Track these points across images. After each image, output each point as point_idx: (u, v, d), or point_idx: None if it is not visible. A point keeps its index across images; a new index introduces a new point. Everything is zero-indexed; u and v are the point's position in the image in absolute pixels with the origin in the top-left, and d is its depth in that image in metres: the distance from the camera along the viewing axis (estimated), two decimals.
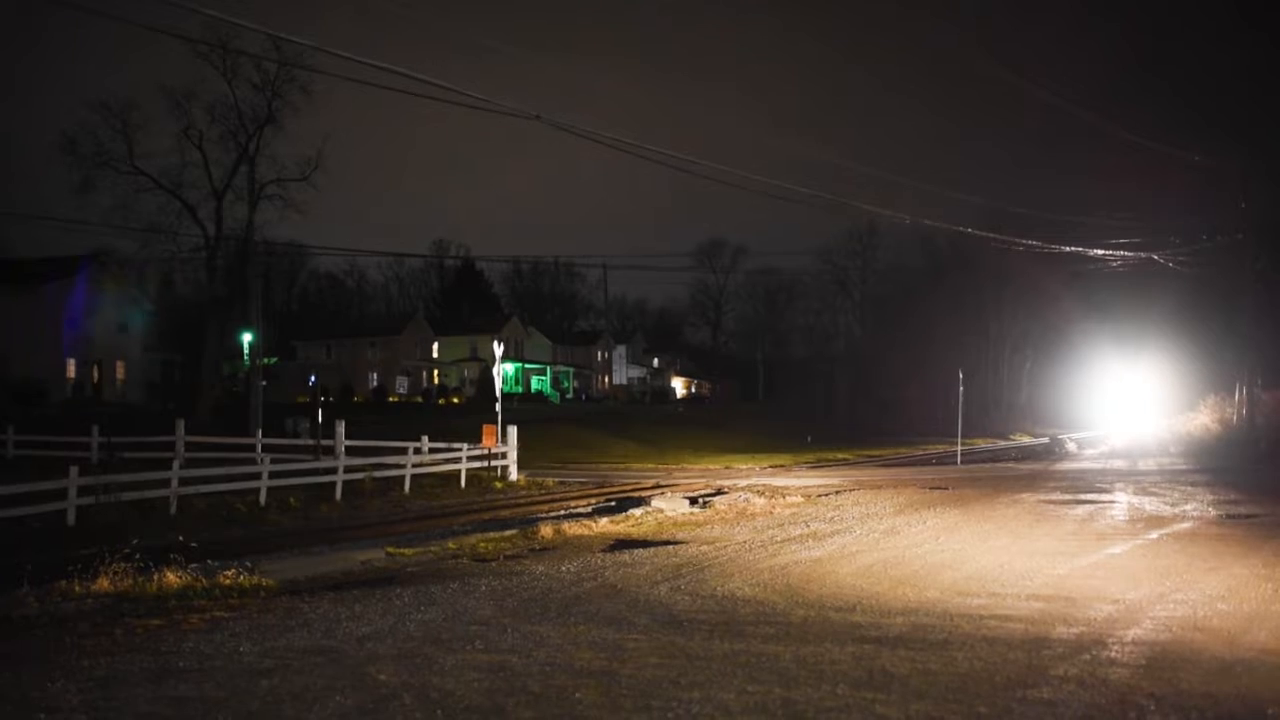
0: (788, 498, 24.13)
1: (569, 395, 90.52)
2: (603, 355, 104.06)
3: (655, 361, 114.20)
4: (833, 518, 19.90)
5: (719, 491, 26.13)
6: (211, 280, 52.55)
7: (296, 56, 41.15)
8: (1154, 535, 17.05)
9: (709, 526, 18.91)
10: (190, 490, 22.33)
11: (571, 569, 13.85)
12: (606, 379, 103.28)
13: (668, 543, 16.60)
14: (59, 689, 7.81)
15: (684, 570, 13.61)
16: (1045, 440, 58.03)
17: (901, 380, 79.59)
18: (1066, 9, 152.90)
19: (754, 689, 7.65)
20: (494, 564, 14.73)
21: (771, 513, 21.14)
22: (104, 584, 12.30)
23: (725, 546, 15.96)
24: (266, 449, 31.56)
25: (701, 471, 36.96)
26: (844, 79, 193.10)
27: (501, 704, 7.32)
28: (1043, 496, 24.09)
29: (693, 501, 23.15)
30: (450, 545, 16.97)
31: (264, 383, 43.77)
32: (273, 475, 24.15)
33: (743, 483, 29.46)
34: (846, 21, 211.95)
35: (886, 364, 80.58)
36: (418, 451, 29.39)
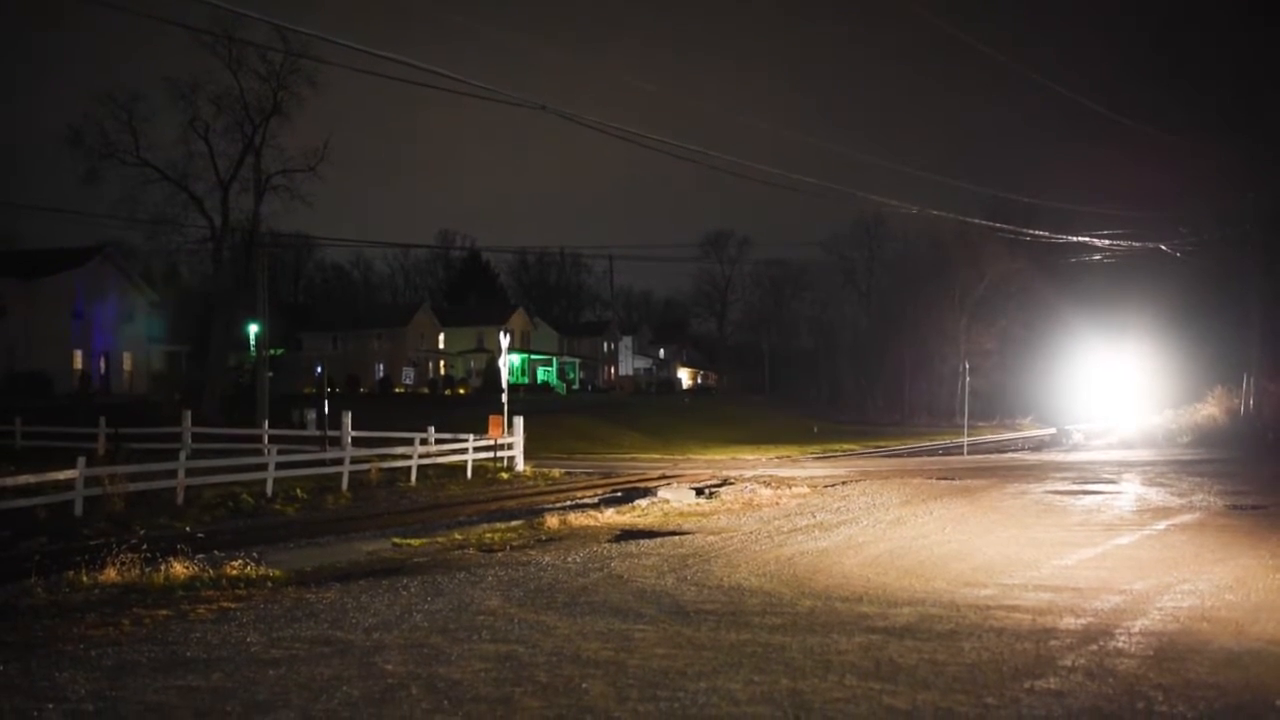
0: (794, 488, 24.11)
1: (575, 386, 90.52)
2: (609, 346, 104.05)
3: (661, 353, 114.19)
4: (839, 508, 19.89)
5: (725, 482, 26.12)
6: (218, 272, 52.50)
7: (302, 47, 41.03)
8: (1161, 526, 17.02)
9: (715, 517, 18.90)
10: (197, 481, 22.41)
11: (578, 559, 13.86)
12: (613, 370, 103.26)
13: (674, 533, 16.60)
14: (67, 679, 7.84)
15: (690, 561, 13.62)
16: (1052, 431, 57.82)
17: (908, 371, 79.57)
18: None
19: (761, 679, 7.64)
20: (500, 554, 14.75)
21: (778, 503, 21.12)
22: (111, 574, 12.33)
23: (732, 537, 15.96)
24: (273, 440, 31.63)
25: (707, 462, 36.94)
26: (849, 70, 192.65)
27: (509, 694, 7.33)
28: (1050, 487, 24.04)
29: (699, 492, 23.16)
30: (457, 536, 17.00)
31: (270, 374, 43.74)
32: (279, 466, 24.19)
33: (749, 473, 29.44)
34: (848, 7, 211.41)
35: (893, 355, 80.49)
36: (424, 442, 29.39)
